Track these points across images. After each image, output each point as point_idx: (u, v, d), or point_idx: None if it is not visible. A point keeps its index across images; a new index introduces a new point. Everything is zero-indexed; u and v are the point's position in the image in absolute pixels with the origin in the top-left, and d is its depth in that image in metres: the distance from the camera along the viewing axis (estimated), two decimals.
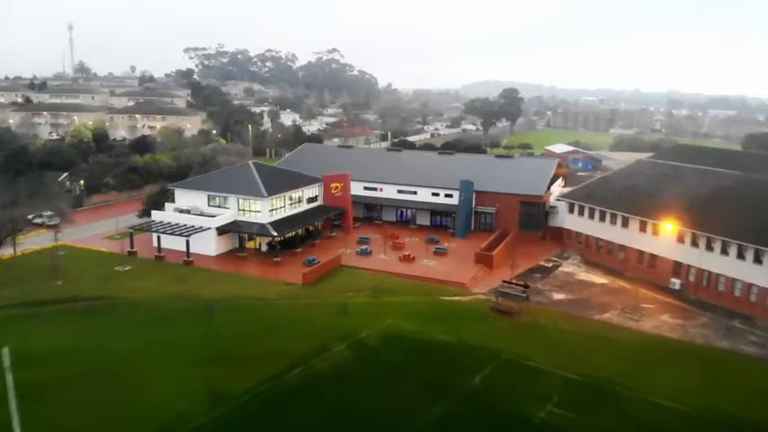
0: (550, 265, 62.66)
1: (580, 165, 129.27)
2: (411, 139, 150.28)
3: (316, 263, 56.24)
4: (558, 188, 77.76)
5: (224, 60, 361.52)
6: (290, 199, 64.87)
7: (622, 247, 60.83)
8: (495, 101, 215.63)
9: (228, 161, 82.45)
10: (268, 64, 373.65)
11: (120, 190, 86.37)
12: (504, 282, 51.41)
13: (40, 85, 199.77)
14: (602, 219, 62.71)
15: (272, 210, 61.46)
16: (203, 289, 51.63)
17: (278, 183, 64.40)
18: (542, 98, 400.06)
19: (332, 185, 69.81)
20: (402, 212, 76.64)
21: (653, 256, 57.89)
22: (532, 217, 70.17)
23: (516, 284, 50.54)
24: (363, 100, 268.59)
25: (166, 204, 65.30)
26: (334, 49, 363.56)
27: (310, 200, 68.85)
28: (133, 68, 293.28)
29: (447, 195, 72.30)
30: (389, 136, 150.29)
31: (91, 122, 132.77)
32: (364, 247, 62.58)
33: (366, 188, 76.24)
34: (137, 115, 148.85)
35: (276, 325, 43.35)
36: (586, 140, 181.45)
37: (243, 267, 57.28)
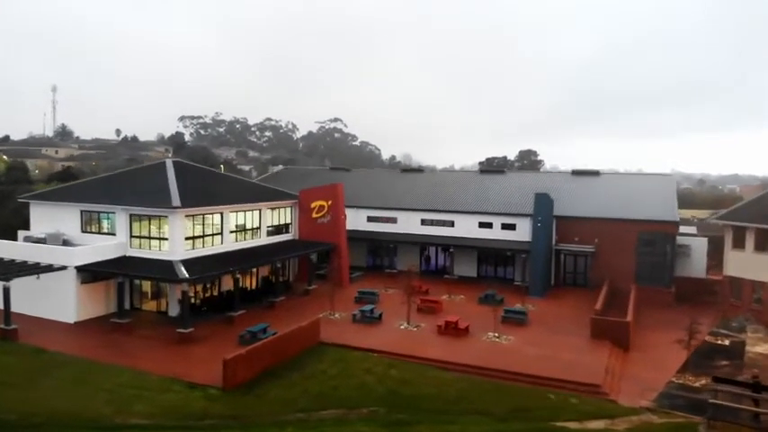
0: (726, 342, 32.54)
1: None
2: None
3: (263, 338, 26.51)
4: None
5: (221, 130, 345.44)
6: (236, 225, 36.04)
7: None
8: (515, 160, 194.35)
9: None
10: (267, 133, 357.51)
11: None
12: (718, 379, 21.21)
13: (2, 139, 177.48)
14: None
15: (191, 237, 32.52)
16: (4, 395, 21.96)
17: (210, 192, 35.99)
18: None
19: (314, 205, 41.26)
20: (429, 256, 47.48)
21: None
22: (655, 261, 40.82)
23: (744, 384, 20.44)
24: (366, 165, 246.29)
25: (20, 232, 36.76)
26: (337, 119, 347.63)
27: (276, 230, 40.05)
28: (118, 132, 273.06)
29: (506, 227, 43.43)
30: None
31: (37, 171, 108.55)
32: (369, 307, 32.97)
33: (371, 219, 47.57)
34: (93, 162, 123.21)
35: None
36: None
37: (117, 348, 27.39)
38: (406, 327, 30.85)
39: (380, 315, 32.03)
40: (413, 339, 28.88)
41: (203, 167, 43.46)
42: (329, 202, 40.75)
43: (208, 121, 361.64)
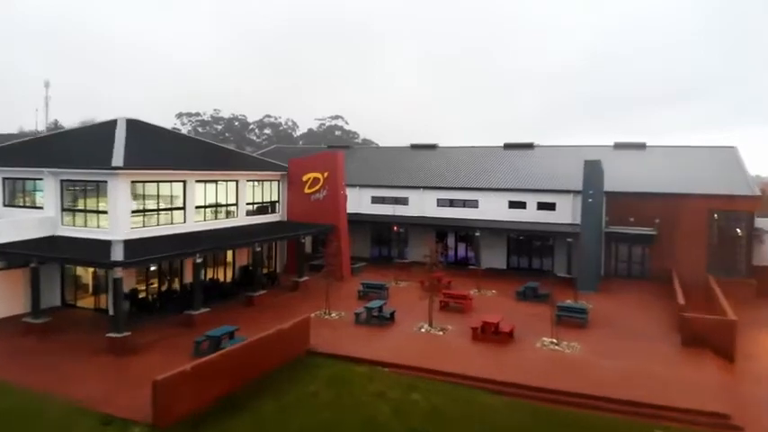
0: None
1: None
2: None
3: (225, 346, 18.58)
4: None
5: (219, 127, 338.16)
6: (205, 199, 28.15)
7: None
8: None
9: None
10: (266, 131, 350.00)
11: None
12: None
13: None
14: None
15: (140, 212, 24.62)
16: None
17: (170, 154, 28.15)
18: None
19: (306, 178, 33.37)
20: (447, 244, 39.54)
21: None
22: (730, 246, 32.95)
23: None
24: None
25: None
26: (338, 116, 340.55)
27: (258, 208, 32.15)
28: None
29: (543, 206, 35.57)
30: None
31: None
32: (377, 303, 24.93)
33: (376, 200, 39.75)
34: None
35: None
36: None
37: (16, 358, 19.45)
38: (427, 330, 22.90)
39: (393, 314, 24.09)
40: (440, 347, 20.94)
41: (170, 130, 35.63)
42: (325, 175, 32.82)
43: (206, 118, 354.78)
